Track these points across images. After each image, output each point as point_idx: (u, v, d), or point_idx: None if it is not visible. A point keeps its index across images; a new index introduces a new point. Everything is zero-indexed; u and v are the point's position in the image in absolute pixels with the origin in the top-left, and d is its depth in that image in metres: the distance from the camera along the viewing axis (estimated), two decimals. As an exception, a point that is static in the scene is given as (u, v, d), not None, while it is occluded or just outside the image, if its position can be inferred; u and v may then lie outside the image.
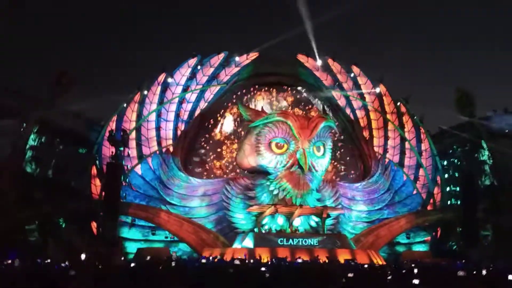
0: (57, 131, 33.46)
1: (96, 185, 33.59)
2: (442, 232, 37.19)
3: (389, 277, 12.27)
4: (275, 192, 32.81)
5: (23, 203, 28.85)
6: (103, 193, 31.88)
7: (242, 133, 39.32)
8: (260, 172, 33.73)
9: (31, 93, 32.53)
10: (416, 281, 9.94)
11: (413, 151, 39.35)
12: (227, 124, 41.46)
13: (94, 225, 32.43)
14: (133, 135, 35.65)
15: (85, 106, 34.06)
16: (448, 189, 38.91)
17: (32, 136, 32.07)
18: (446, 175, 39.35)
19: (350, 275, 11.67)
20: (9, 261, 18.64)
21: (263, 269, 15.00)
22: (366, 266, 18.88)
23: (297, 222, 32.92)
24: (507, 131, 36.49)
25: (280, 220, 32.68)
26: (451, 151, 40.46)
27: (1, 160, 30.30)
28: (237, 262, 20.84)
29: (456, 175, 38.93)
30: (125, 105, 36.28)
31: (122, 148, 32.20)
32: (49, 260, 21.38)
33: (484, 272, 14.17)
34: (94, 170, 34.20)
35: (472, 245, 31.57)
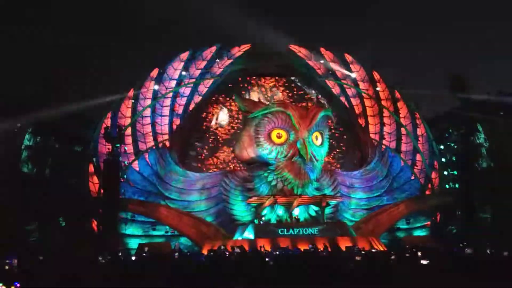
0: (52, 130, 33.16)
1: (94, 183, 33.39)
2: (442, 216, 37.39)
3: (392, 257, 12.29)
4: (274, 183, 32.82)
5: (21, 204, 28.61)
6: (102, 191, 31.72)
7: (238, 125, 39.36)
8: (259, 163, 33.69)
9: (25, 93, 32.15)
10: (424, 262, 9.94)
11: (410, 137, 39.44)
12: (222, 116, 41.34)
13: (94, 222, 32.29)
14: (128, 131, 35.48)
15: (79, 104, 33.72)
16: (445, 173, 39.08)
17: (27, 136, 31.80)
18: (443, 159, 39.51)
19: (357, 258, 11.65)
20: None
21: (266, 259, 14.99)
22: (373, 251, 18.95)
23: (297, 211, 32.96)
24: (502, 113, 36.60)
25: (280, 211, 32.73)
26: (447, 135, 40.58)
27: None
28: (237, 250, 20.96)
29: (453, 159, 39.07)
30: (119, 101, 35.98)
31: (118, 145, 32.02)
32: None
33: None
34: (91, 168, 33.99)
35: (472, 228, 31.73)
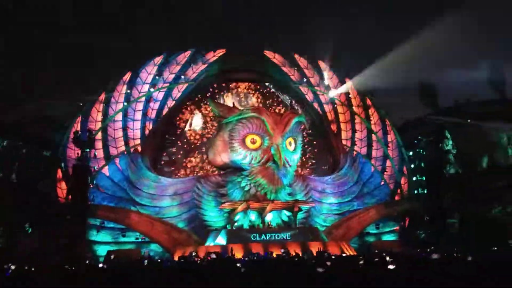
0: (19, 134, 32.29)
1: (62, 188, 32.61)
2: (410, 221, 38.11)
3: (361, 262, 12.43)
4: (247, 188, 32.86)
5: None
6: (70, 196, 30.99)
7: (212, 130, 39.21)
8: (232, 169, 33.64)
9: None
10: (391, 266, 10.09)
11: (380, 143, 40.15)
12: (196, 121, 41.10)
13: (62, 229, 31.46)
14: (99, 135, 34.81)
15: (48, 107, 33.00)
16: (414, 179, 39.92)
17: (-8, 140, 30.90)
18: (412, 165, 40.39)
19: (325, 264, 11.73)
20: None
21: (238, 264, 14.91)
22: (344, 255, 19.09)
23: (269, 217, 33.05)
24: (469, 120, 37.69)
25: (253, 216, 32.75)
26: (416, 141, 41.50)
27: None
28: (213, 256, 20.83)
29: (422, 165, 39.96)
30: (90, 105, 35.33)
31: (88, 150, 31.40)
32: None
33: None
34: (59, 173, 33.18)
35: (439, 233, 32.44)
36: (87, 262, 24.13)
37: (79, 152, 30.47)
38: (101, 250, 31.63)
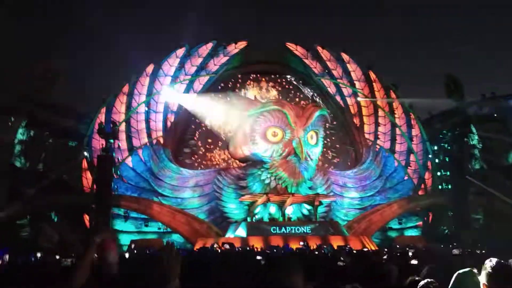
0: (46, 124, 33.01)
1: (87, 178, 33.29)
2: (434, 217, 37.55)
3: (384, 257, 12.31)
4: (267, 181, 32.85)
5: (13, 198, 28.50)
6: (95, 186, 31.60)
7: (233, 123, 39.26)
8: (252, 162, 33.69)
9: (18, 87, 32.01)
10: (414, 261, 9.95)
11: (404, 137, 39.56)
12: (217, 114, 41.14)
13: (86, 218, 32.19)
14: (123, 127, 35.33)
15: (73, 98, 33.60)
16: (438, 173, 39.20)
17: (20, 130, 31.67)
18: (437, 160, 39.64)
19: (343, 259, 11.66)
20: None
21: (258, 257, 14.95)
22: (365, 250, 18.96)
23: (290, 210, 32.99)
24: (495, 115, 36.77)
25: (272, 209, 32.73)
26: (441, 136, 40.70)
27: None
28: (226, 246, 21.02)
29: (447, 159, 39.20)
30: (114, 97, 35.88)
31: (112, 141, 31.85)
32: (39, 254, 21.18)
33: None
34: (84, 163, 33.87)
35: (464, 229, 31.85)
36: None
37: (104, 143, 30.94)
38: (125, 239, 32.20)
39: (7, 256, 18.99)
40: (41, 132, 33.21)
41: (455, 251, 12.76)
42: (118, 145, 34.43)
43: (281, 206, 32.39)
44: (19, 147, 31.73)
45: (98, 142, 32.80)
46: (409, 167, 39.15)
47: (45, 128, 33.32)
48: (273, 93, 42.65)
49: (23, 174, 31.31)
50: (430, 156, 39.06)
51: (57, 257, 18.32)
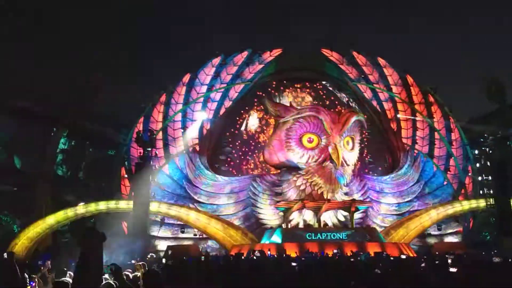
0: (86, 134, 34.24)
1: (126, 186, 34.21)
2: (475, 223, 36.30)
3: (422, 265, 12.03)
4: (302, 187, 32.72)
5: (55, 205, 29.64)
6: (133, 193, 32.41)
7: (268, 130, 39.43)
8: (287, 168, 33.67)
9: (60, 98, 33.36)
10: (453, 269, 9.68)
11: (443, 141, 38.53)
12: (252, 121, 41.50)
13: (125, 224, 33.04)
14: (160, 135, 36.15)
15: (112, 108, 34.76)
16: (480, 178, 37.96)
17: (62, 140, 32.95)
18: (478, 165, 38.43)
19: (379, 267, 11.49)
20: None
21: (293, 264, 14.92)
22: (403, 257, 18.56)
23: (325, 216, 32.71)
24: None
25: (308, 215, 32.55)
26: (482, 140, 39.37)
27: (33, 165, 31.19)
28: (257, 254, 21.05)
29: (488, 164, 37.90)
30: (152, 106, 36.80)
31: (149, 149, 32.64)
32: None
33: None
34: (123, 171, 34.84)
35: (506, 235, 30.64)
36: (149, 255, 25.12)
37: (142, 151, 31.73)
38: (161, 245, 32.86)
39: (49, 262, 19.74)
40: (82, 141, 34.45)
41: (496, 259, 12.29)
42: (156, 153, 35.25)
43: (316, 212, 32.15)
44: (61, 156, 32.99)
45: (136, 151, 33.72)
46: (448, 172, 38.04)
47: (85, 138, 34.57)
48: (308, 99, 42.54)
49: (64, 182, 32.52)
50: (470, 160, 37.82)
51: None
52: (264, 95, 40.86)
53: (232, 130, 40.93)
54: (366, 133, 40.71)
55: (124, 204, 31.54)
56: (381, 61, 41.13)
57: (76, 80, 35.09)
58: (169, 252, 28.49)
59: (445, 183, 37.62)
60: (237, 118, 41.30)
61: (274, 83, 42.45)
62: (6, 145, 31.31)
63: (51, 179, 31.02)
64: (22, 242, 28.22)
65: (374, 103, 40.90)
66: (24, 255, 26.97)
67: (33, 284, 8.45)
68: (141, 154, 31.76)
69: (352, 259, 19.59)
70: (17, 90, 30.96)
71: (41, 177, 29.64)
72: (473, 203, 35.61)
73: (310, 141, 32.37)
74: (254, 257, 20.71)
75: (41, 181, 29.38)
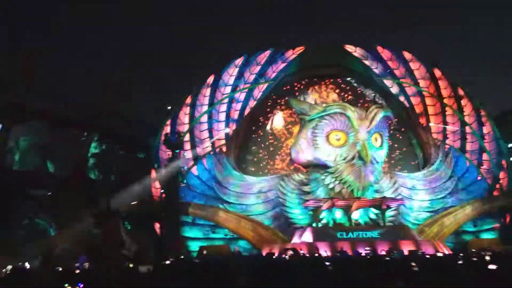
0: (116, 138, 34.78)
1: (156, 188, 34.59)
2: (511, 218, 35.21)
3: (460, 262, 11.70)
4: (331, 185, 32.47)
5: (89, 208, 30.18)
6: (163, 195, 32.79)
7: (294, 128, 39.23)
8: (315, 166, 33.42)
9: (90, 102, 34.02)
10: (492, 266, 9.37)
11: (475, 135, 37.54)
12: (278, 120, 41.36)
13: (157, 226, 33.40)
14: (187, 137, 36.41)
15: (141, 112, 35.20)
16: (515, 173, 36.76)
17: (93, 144, 33.58)
18: (512, 159, 37.23)
19: (415, 264, 11.23)
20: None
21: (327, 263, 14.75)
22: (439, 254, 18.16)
23: (356, 215, 32.34)
24: None
25: (338, 214, 32.25)
26: (515, 133, 38.24)
27: (66, 169, 31.90)
28: (290, 252, 20.95)
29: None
30: (178, 108, 37.11)
31: (178, 151, 32.97)
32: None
33: None
34: (153, 173, 35.23)
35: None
36: (182, 257, 25.31)
37: (170, 153, 32.07)
38: (193, 246, 33.09)
39: (87, 264, 20.18)
40: (112, 145, 35.02)
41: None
42: (184, 154, 35.57)
43: (347, 210, 31.85)
44: (93, 160, 33.62)
45: (165, 153, 34.07)
46: (482, 167, 37.00)
47: (116, 141, 35.12)
48: (333, 96, 42.12)
49: (97, 185, 33.11)
50: (504, 154, 36.69)
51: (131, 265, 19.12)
52: (288, 93, 40.68)
53: (258, 129, 40.91)
54: (395, 129, 40.07)
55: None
56: (407, 55, 40.34)
57: (106, 84, 35.70)
58: (204, 252, 28.67)
59: (479, 178, 36.64)
60: (262, 118, 41.27)
61: (298, 81, 42.16)
62: (39, 149, 32.10)
63: (85, 182, 31.61)
64: (59, 245, 28.86)
65: (402, 98, 40.16)
66: (61, 258, 27.55)
67: (81, 286, 8.60)
68: (170, 156, 32.13)
69: (387, 258, 19.31)
70: (48, 94, 31.73)
71: (75, 181, 30.26)
72: (509, 198, 34.64)
73: (337, 139, 32.10)
74: (287, 257, 20.56)
75: (75, 184, 29.99)
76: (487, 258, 14.24)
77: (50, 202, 30.09)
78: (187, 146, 36.34)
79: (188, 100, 37.59)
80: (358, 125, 31.47)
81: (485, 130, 37.68)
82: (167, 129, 35.88)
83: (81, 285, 8.49)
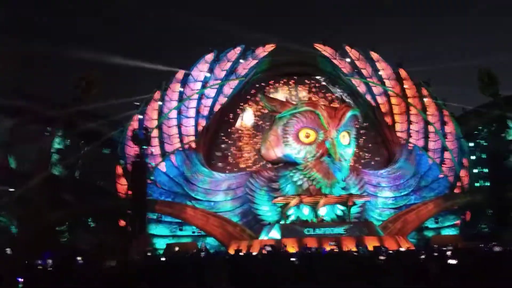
0: (81, 133, 33.93)
1: (122, 184, 34.02)
2: (472, 215, 36.53)
3: (422, 257, 12.06)
4: (300, 182, 32.69)
5: (53, 205, 29.40)
6: (130, 192, 32.26)
7: (263, 125, 39.37)
8: (284, 163, 33.64)
9: (54, 97, 33.05)
10: (453, 261, 9.70)
11: (438, 134, 38.67)
12: (247, 117, 41.41)
13: (122, 223, 32.86)
14: (155, 133, 35.93)
15: (107, 107, 34.47)
16: (475, 170, 38.17)
17: (57, 140, 32.65)
18: (473, 157, 38.59)
19: (381, 258, 11.51)
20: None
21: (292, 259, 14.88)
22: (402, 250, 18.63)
23: (323, 211, 32.70)
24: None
25: (306, 211, 32.54)
26: (476, 132, 39.60)
27: (29, 165, 30.92)
28: (268, 248, 20.95)
29: (483, 156, 38.10)
30: (146, 104, 36.56)
31: (145, 147, 32.47)
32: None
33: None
34: (119, 170, 34.62)
35: (503, 226, 30.85)
36: (149, 254, 25.00)
37: (137, 149, 31.56)
38: (160, 243, 32.76)
39: (50, 261, 19.59)
40: (77, 140, 34.14)
41: (497, 249, 12.38)
42: (151, 151, 35.08)
43: (314, 207, 32.19)
44: (57, 156, 32.69)
45: (132, 149, 33.51)
46: (444, 165, 38.18)
47: (80, 137, 34.26)
48: (303, 94, 42.52)
49: (61, 182, 32.24)
50: (465, 153, 37.97)
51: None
52: (258, 91, 40.78)
53: (228, 126, 40.83)
54: (361, 128, 40.80)
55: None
56: (374, 55, 41.13)
57: (71, 78, 34.72)
58: (176, 248, 28.41)
59: (441, 176, 37.79)
60: (232, 114, 41.21)
61: (268, 79, 42.34)
62: (1, 145, 30.98)
63: (47, 178, 30.68)
64: (21, 242, 27.98)
65: (368, 97, 40.95)
66: (23, 254, 26.72)
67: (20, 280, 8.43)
68: (137, 152, 31.60)
69: (355, 253, 19.68)
70: (11, 89, 30.66)
71: (37, 177, 29.34)
72: (470, 196, 35.91)
73: (307, 136, 32.33)
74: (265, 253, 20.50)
75: (38, 181, 29.08)
76: (448, 253, 14.72)
77: (12, 198, 29.12)
78: (155, 142, 35.87)
79: (157, 95, 37.08)
80: (327, 123, 31.81)
81: (448, 129, 38.89)
82: (135, 124, 35.33)
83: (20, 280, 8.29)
